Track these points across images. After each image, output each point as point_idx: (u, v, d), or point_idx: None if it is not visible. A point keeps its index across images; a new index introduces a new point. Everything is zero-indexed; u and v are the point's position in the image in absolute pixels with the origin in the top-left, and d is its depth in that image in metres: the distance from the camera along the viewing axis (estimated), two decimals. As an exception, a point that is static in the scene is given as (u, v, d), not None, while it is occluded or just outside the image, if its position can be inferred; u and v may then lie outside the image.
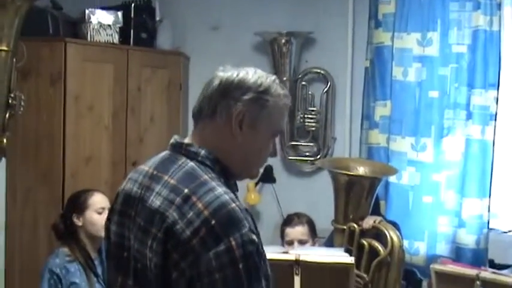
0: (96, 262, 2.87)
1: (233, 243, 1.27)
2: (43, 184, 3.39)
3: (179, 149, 1.44)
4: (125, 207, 1.45)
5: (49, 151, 3.38)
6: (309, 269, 2.31)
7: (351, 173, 2.90)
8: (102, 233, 2.78)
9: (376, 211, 3.02)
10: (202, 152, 1.41)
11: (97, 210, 2.85)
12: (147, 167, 1.47)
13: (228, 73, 1.45)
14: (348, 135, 3.75)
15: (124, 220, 1.45)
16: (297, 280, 2.29)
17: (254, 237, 1.31)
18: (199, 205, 1.30)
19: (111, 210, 1.52)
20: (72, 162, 3.39)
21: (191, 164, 1.40)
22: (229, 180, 1.43)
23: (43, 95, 3.38)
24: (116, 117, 3.55)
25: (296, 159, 3.83)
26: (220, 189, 1.34)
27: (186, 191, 1.33)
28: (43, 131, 3.39)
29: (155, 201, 1.36)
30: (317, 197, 3.65)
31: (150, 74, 3.72)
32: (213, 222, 1.28)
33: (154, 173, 1.43)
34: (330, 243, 3.02)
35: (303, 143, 3.82)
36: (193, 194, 1.32)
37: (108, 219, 1.52)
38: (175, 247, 1.28)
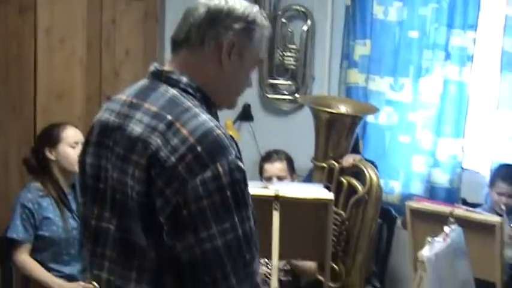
0: (70, 197, 2.84)
1: (220, 169, 1.25)
2: (14, 119, 3.29)
3: (159, 77, 1.40)
4: (102, 138, 1.41)
5: (19, 85, 3.27)
6: (288, 205, 2.31)
7: (333, 111, 2.88)
8: (76, 168, 2.75)
9: (355, 150, 3.03)
10: (184, 79, 1.38)
11: (70, 144, 2.80)
12: (124, 96, 1.43)
13: (215, 1, 1.41)
14: (326, 74, 3.71)
15: (101, 151, 1.41)
16: (275, 215, 2.28)
17: (241, 164, 1.30)
18: (184, 131, 1.27)
19: (86, 143, 1.48)
20: (44, 97, 3.29)
21: (173, 91, 1.37)
22: (211, 109, 1.39)
23: (12, 26, 3.24)
24: (89, 50, 3.43)
25: (274, 97, 3.79)
26: (205, 116, 1.31)
27: (169, 117, 1.30)
28: (13, 64, 3.26)
29: (136, 129, 1.32)
30: (294, 136, 3.64)
31: (125, 6, 3.58)
32: (199, 148, 1.25)
33: (134, 101, 1.38)
34: (308, 181, 3.03)
35: (281, 81, 3.77)
36: (177, 121, 1.29)
37: (83, 152, 1.48)
38: (159, 174, 1.26)
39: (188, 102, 1.34)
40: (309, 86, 3.76)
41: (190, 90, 1.37)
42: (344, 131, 2.84)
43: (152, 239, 1.29)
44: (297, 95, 3.72)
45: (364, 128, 3.53)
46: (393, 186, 3.49)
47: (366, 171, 2.77)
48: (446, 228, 2.29)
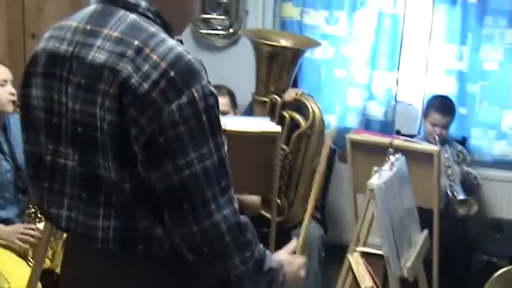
0: (2, 139, 2.68)
1: (195, 94, 1.20)
2: None
3: (114, 1, 1.31)
4: (51, 68, 1.31)
5: None
6: (236, 139, 2.26)
7: (275, 44, 2.83)
8: (7, 108, 2.62)
9: (295, 85, 3.01)
10: (143, 3, 1.30)
11: (-2, 83, 2.63)
12: (75, 22, 1.32)
13: None
14: (260, 8, 3.64)
15: (51, 82, 1.30)
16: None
17: (213, 89, 1.25)
18: (154, 57, 1.21)
19: (28, 75, 1.35)
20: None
21: (132, 16, 1.28)
22: (170, 36, 1.32)
23: None
24: (10, -16, 3.20)
25: (207, 33, 3.69)
26: (172, 41, 1.25)
27: (136, 42, 1.22)
28: None
29: (99, 56, 1.24)
30: (229, 72, 3.57)
31: None
32: (173, 73, 1.20)
33: (88, 27, 1.29)
34: (248, 115, 3.00)
35: (214, 16, 3.67)
36: (145, 46, 1.22)
37: (25, 84, 1.36)
38: (132, 102, 1.19)
39: (151, 27, 1.27)
40: (242, 21, 3.68)
41: (149, 15, 1.30)
42: (285, 64, 2.81)
43: (125, 171, 1.23)
44: (231, 30, 3.64)
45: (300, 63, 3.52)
46: (329, 121, 3.52)
47: (308, 105, 2.76)
48: (392, 157, 2.35)
